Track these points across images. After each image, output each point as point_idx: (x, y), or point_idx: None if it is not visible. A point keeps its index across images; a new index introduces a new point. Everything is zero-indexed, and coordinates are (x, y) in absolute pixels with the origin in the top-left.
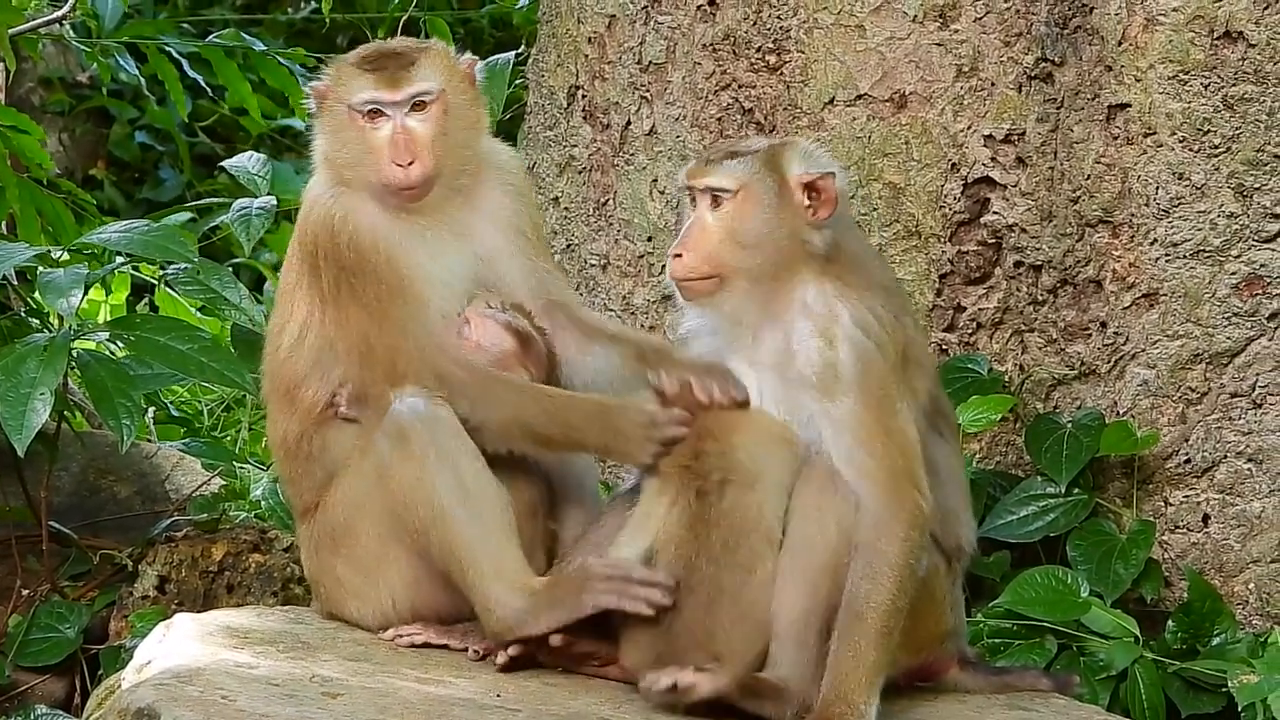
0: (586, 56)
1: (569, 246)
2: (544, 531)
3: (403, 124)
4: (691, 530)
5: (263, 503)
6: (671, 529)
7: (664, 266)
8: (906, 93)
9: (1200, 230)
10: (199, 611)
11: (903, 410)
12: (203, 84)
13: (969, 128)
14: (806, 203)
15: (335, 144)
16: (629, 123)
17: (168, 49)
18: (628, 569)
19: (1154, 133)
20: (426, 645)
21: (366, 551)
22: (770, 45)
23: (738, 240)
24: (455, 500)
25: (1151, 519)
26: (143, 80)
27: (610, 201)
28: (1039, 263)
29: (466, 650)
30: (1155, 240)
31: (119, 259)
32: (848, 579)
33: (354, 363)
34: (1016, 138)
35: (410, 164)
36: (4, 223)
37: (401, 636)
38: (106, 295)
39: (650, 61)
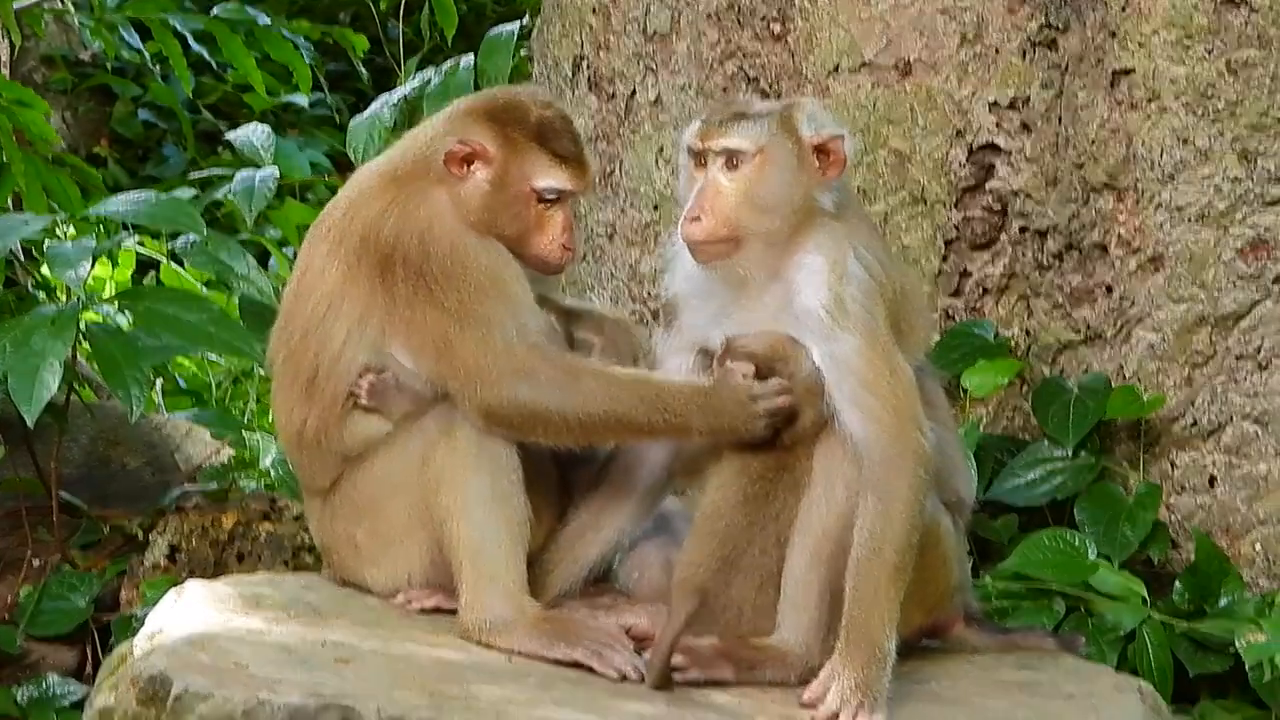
0: (591, 27)
1: (575, 216)
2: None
3: (572, 212)
4: (746, 515)
5: (272, 472)
6: (721, 504)
7: (671, 233)
8: (911, 60)
9: (1205, 195)
10: (209, 580)
11: (899, 352)
12: (207, 59)
13: (974, 94)
14: (817, 164)
15: (490, 205)
16: (634, 92)
17: (171, 24)
18: (617, 639)
19: (1158, 98)
20: (438, 610)
21: (391, 525)
22: (774, 14)
23: (755, 202)
24: (479, 501)
25: (1158, 481)
26: (146, 56)
27: (616, 171)
28: (1044, 228)
29: None
30: (1160, 205)
31: (126, 231)
32: (858, 521)
33: (428, 360)
34: (1021, 104)
35: (570, 250)
36: (10, 198)
37: (412, 601)
38: (113, 269)
39: (655, 31)
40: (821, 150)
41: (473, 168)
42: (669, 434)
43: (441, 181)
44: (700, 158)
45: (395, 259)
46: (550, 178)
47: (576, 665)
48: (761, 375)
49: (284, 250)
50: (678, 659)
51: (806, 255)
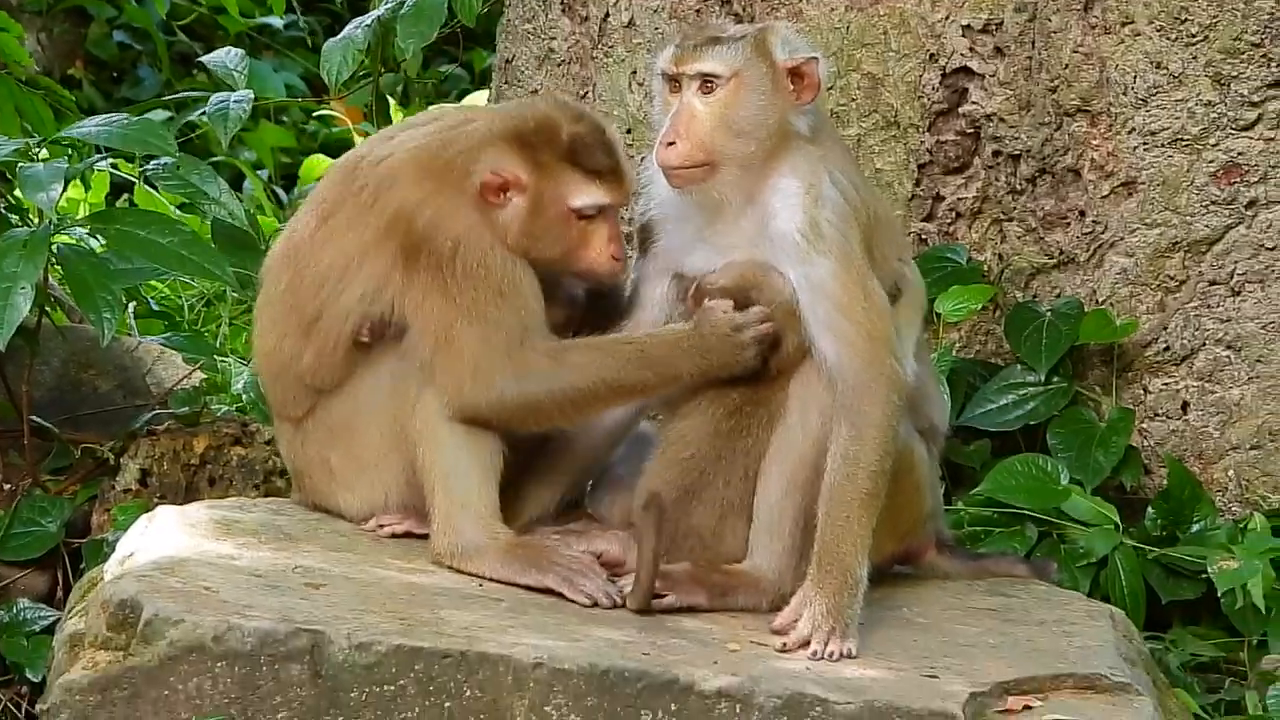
0: None
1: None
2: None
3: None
4: (715, 448)
5: (244, 396)
6: (689, 434)
7: (644, 156)
8: None
9: (1178, 119)
10: (181, 505)
11: (875, 276)
12: None
13: (947, 18)
14: (791, 87)
15: (529, 230)
16: (607, 15)
17: None
18: (588, 566)
19: (1131, 21)
20: (409, 535)
21: (365, 450)
22: None
23: (731, 126)
24: (451, 428)
25: (1131, 407)
26: None
27: (589, 94)
28: (1017, 152)
29: None
30: (1133, 129)
31: (98, 154)
32: (831, 447)
33: (427, 346)
34: (994, 27)
35: (618, 260)
36: None
37: (384, 526)
38: (86, 192)
39: None
40: (796, 73)
41: (508, 195)
42: (662, 386)
43: (477, 200)
44: (674, 82)
45: (423, 249)
46: (586, 195)
47: (548, 591)
48: (739, 307)
49: (259, 173)
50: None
51: (781, 179)
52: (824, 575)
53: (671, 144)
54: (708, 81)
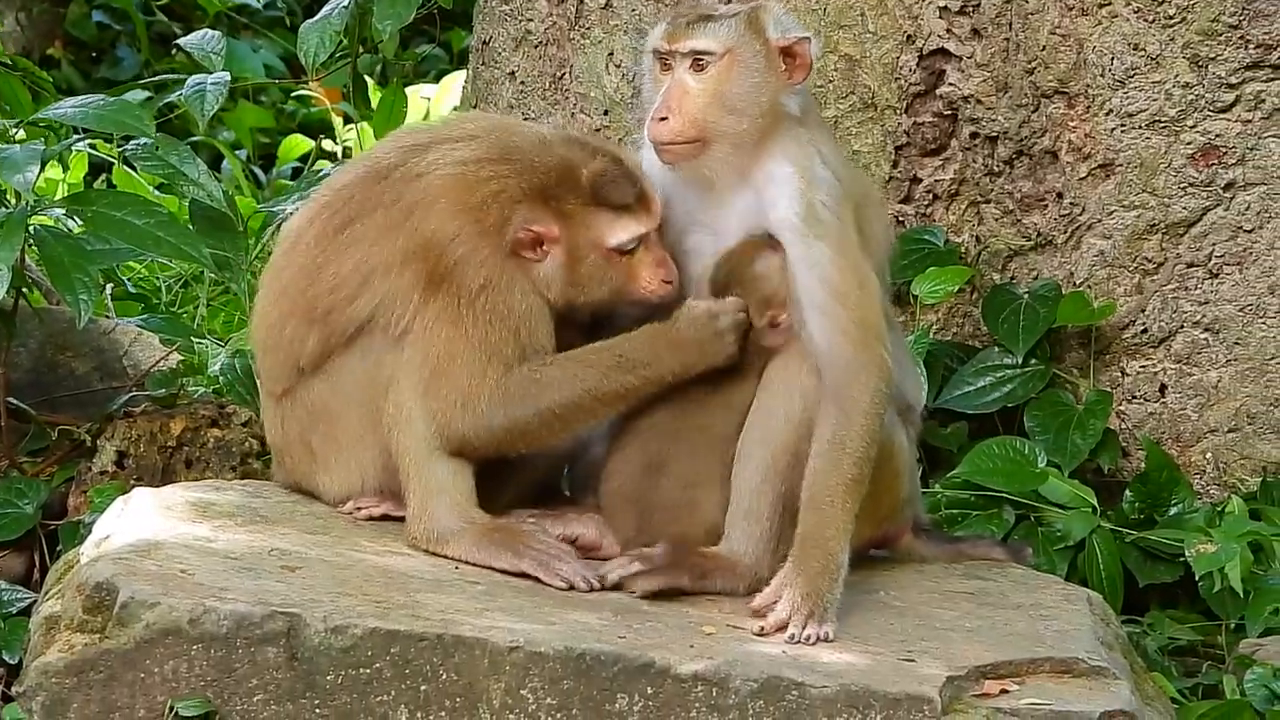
0: None
1: (526, 121)
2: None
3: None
4: (674, 420)
5: (221, 378)
6: (646, 409)
7: (622, 140)
8: None
9: (1156, 100)
10: (157, 487)
11: (866, 260)
12: None
13: None
14: (783, 67)
15: (572, 279)
16: None
17: None
18: (562, 552)
19: (1109, 3)
20: (386, 518)
21: (345, 431)
22: None
23: (724, 103)
24: (422, 409)
25: (1109, 389)
26: None
27: (566, 75)
28: (995, 134)
29: None
30: (1111, 111)
31: (76, 135)
32: (817, 431)
33: (426, 371)
34: (972, 9)
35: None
36: None
37: (361, 509)
38: (65, 173)
39: None
40: (788, 53)
41: (544, 248)
42: (647, 388)
43: (512, 250)
44: (666, 60)
45: (449, 281)
46: (622, 232)
47: (524, 575)
48: (716, 294)
49: (237, 153)
50: (635, 566)
51: (775, 164)
52: (805, 559)
53: (664, 119)
54: (700, 59)
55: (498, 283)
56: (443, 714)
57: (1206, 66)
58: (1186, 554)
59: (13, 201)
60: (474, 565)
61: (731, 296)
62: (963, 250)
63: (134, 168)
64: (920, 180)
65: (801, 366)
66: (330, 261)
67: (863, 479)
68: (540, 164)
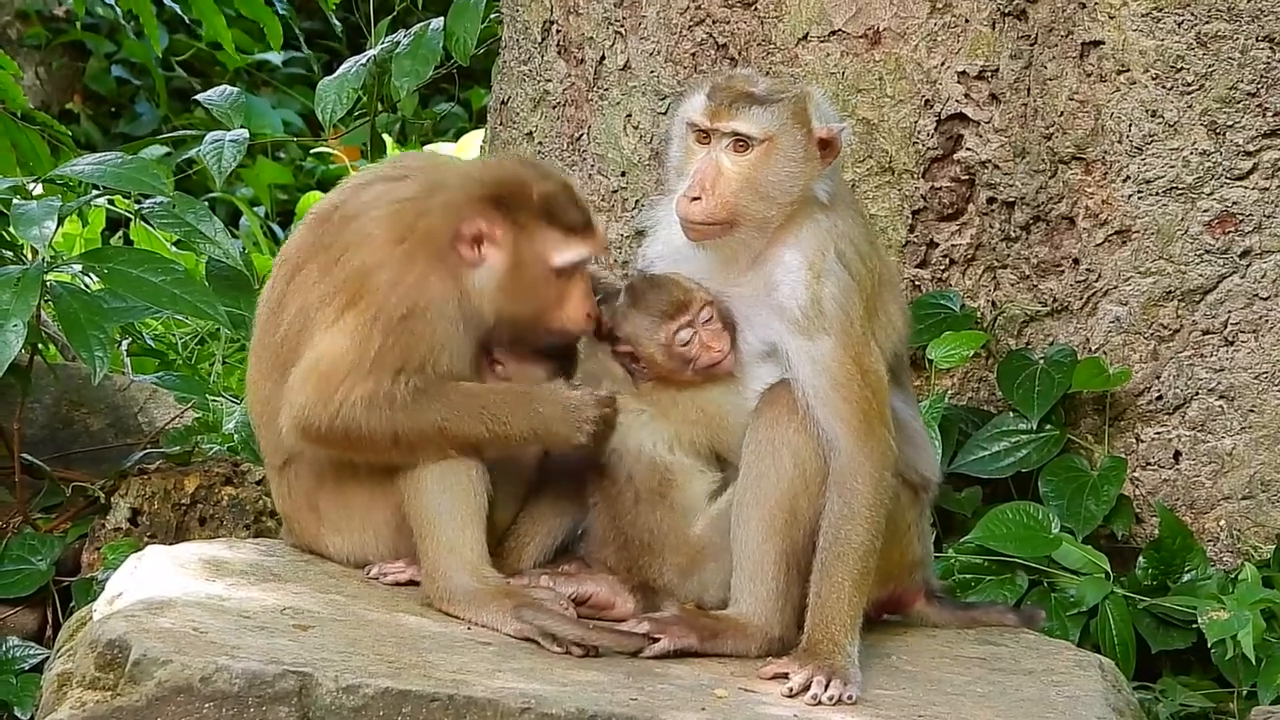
0: None
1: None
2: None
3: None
4: (633, 495)
5: (235, 436)
6: (609, 486)
7: (639, 201)
8: (880, 28)
9: (1173, 167)
10: (171, 544)
11: (874, 348)
12: (180, 16)
13: (943, 64)
14: (818, 154)
15: (506, 288)
16: (603, 58)
17: None
18: (565, 619)
19: (1127, 70)
20: (411, 583)
21: (351, 494)
22: None
23: (758, 190)
24: (433, 475)
25: (1123, 455)
26: (119, 13)
27: (584, 136)
28: (1012, 199)
29: None
30: (1128, 177)
31: (93, 191)
32: (823, 523)
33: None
34: (990, 74)
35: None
36: None
37: (387, 575)
38: (83, 228)
39: None
40: (824, 142)
41: (484, 250)
42: (497, 441)
43: (447, 264)
44: (705, 134)
45: (366, 298)
46: (568, 252)
47: (529, 640)
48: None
49: (255, 209)
50: (645, 627)
51: (787, 251)
52: (815, 649)
53: (696, 199)
54: (741, 141)
55: (422, 311)
56: None
57: (1224, 134)
58: (1199, 620)
59: (29, 257)
60: (486, 626)
61: (605, 391)
62: (978, 315)
63: (151, 223)
64: (937, 245)
65: (788, 423)
66: (284, 309)
67: (869, 571)
68: (490, 179)
